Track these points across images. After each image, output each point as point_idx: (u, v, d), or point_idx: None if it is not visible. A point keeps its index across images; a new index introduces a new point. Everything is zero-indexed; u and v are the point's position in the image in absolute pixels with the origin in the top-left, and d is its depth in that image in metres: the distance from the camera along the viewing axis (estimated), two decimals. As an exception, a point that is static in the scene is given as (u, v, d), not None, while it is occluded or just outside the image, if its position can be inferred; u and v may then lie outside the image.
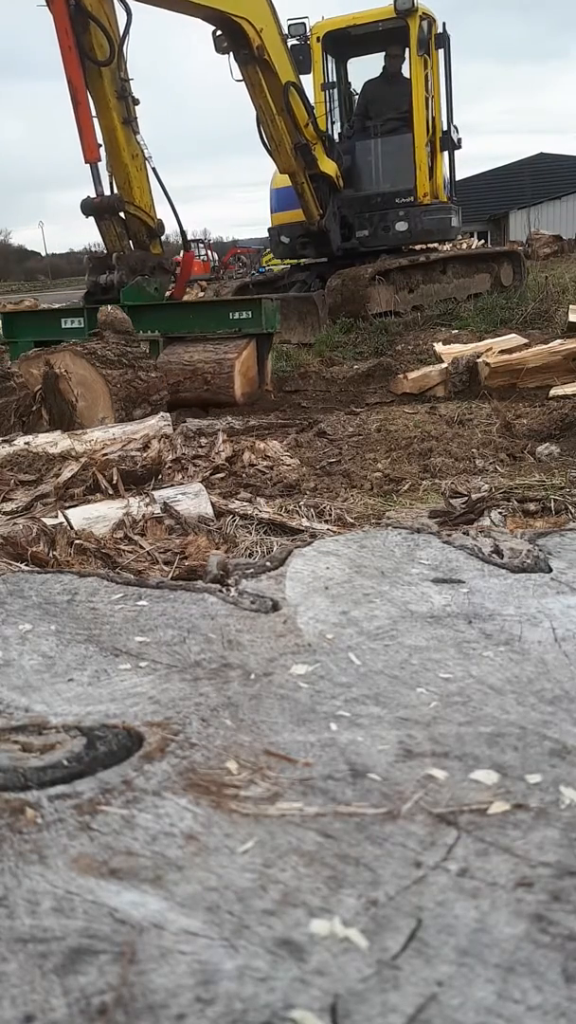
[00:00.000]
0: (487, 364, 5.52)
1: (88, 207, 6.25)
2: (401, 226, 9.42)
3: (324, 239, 8.87)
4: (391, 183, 9.51)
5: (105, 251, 6.56)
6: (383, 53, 9.50)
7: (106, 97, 5.99)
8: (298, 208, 8.79)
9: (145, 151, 6.54)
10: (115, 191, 6.27)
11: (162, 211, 6.66)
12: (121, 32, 5.97)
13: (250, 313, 6.25)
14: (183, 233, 7.88)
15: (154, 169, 6.64)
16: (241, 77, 7.27)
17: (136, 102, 6.33)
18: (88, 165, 6.04)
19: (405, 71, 9.51)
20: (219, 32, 6.94)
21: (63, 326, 6.48)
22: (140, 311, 6.35)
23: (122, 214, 6.32)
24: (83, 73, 5.75)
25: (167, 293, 6.69)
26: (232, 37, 6.93)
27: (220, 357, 5.86)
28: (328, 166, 8.50)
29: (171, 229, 7.13)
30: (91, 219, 6.33)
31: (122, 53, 6.01)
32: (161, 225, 6.72)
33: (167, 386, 5.48)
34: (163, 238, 6.81)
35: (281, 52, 7.38)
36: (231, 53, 7.08)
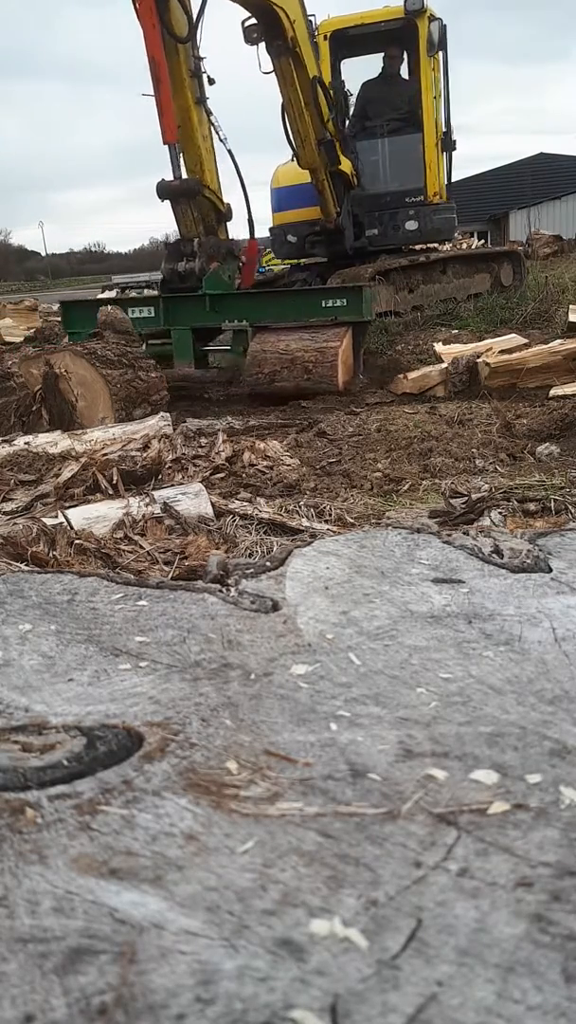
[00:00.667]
0: (487, 364, 5.50)
1: (165, 190, 6.07)
2: (411, 225, 9.41)
3: (338, 237, 8.83)
4: (399, 182, 9.50)
5: (180, 237, 6.37)
6: (382, 54, 9.48)
7: (181, 76, 5.85)
8: (304, 207, 8.73)
9: (220, 132, 6.38)
10: (181, 174, 6.06)
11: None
12: (197, 9, 5.87)
13: (345, 301, 6.13)
14: (251, 219, 7.75)
15: (230, 151, 6.49)
16: (272, 69, 7.08)
17: (212, 82, 6.19)
18: (167, 146, 5.88)
19: (404, 71, 9.51)
20: (250, 23, 6.74)
21: (130, 315, 6.25)
22: (225, 300, 6.25)
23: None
24: (164, 51, 5.59)
25: (236, 282, 6.58)
26: (267, 27, 6.75)
27: (322, 346, 5.67)
28: (345, 164, 8.48)
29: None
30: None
31: (198, 30, 5.89)
32: (230, 210, 6.59)
33: (260, 375, 5.34)
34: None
35: (308, 46, 7.29)
36: (263, 44, 6.87)
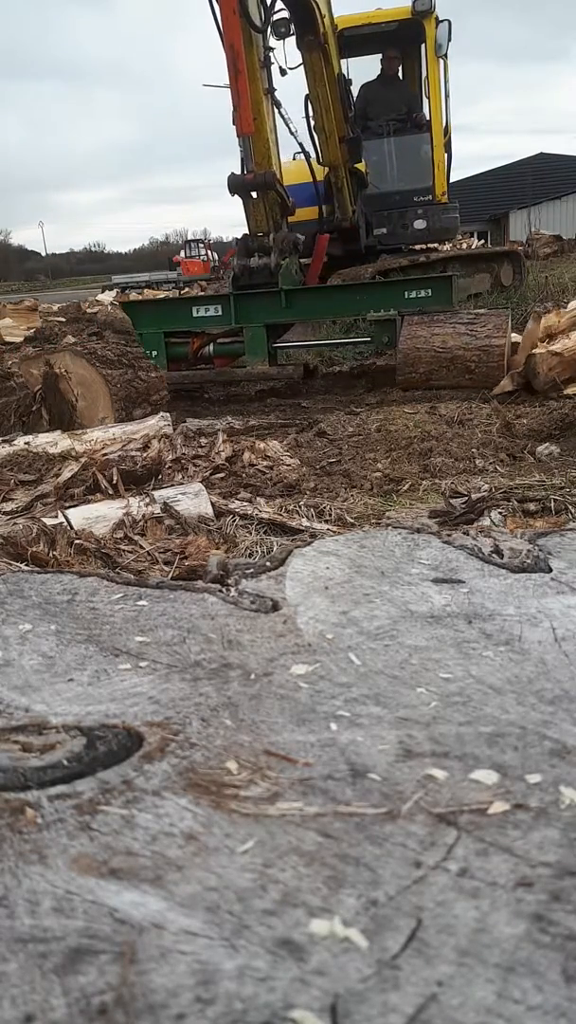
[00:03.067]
0: (552, 353, 4.99)
1: (239, 184, 5.94)
2: (420, 224, 9.42)
3: (353, 236, 8.81)
4: (406, 182, 9.50)
5: (248, 233, 6.22)
6: (380, 55, 9.47)
7: (254, 66, 5.73)
8: (311, 205, 8.71)
9: (291, 124, 6.25)
10: (245, 168, 5.92)
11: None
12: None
13: (431, 291, 5.99)
14: (321, 213, 7.60)
15: (301, 144, 6.40)
16: (301, 62, 6.95)
17: (283, 72, 6.08)
18: (240, 139, 5.76)
19: (402, 72, 9.51)
20: (279, 16, 6.53)
21: (195, 314, 6.23)
22: (301, 295, 6.14)
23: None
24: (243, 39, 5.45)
25: (300, 278, 6.48)
26: (300, 20, 6.63)
27: (484, 343, 5.16)
28: (360, 163, 8.46)
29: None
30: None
31: (269, 20, 5.79)
32: (294, 205, 6.44)
33: (414, 375, 4.90)
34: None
35: (335, 42, 7.26)
36: (294, 37, 6.72)
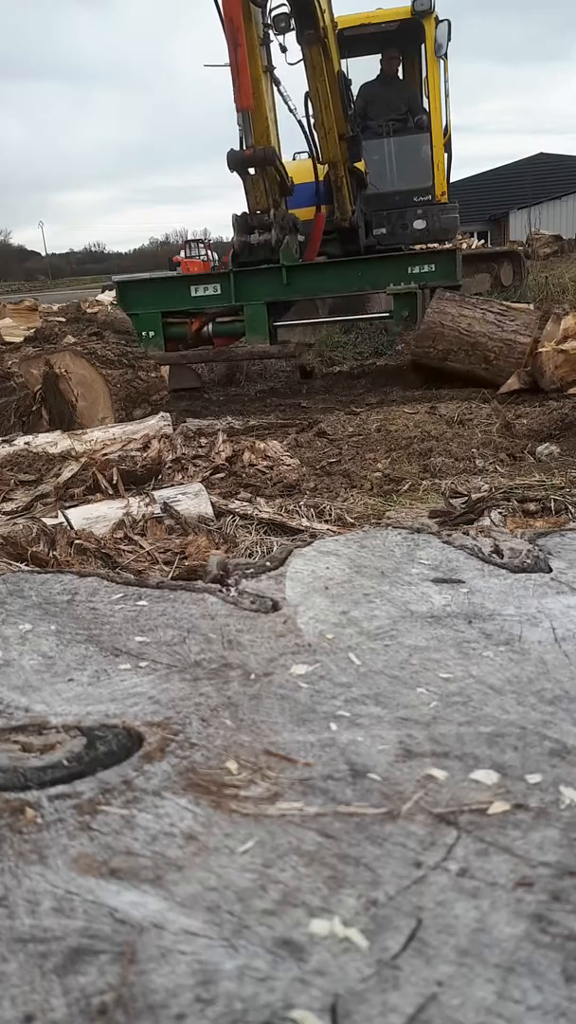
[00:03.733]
0: (560, 351, 4.93)
1: (238, 160, 5.87)
2: (419, 224, 9.41)
3: (352, 236, 8.81)
4: (406, 182, 9.49)
5: (247, 210, 6.17)
6: (379, 56, 9.45)
7: (253, 42, 5.70)
8: (308, 206, 8.70)
9: (290, 102, 6.19)
10: (243, 144, 5.86)
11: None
12: None
13: (434, 266, 5.97)
14: (319, 192, 7.55)
15: (300, 121, 6.31)
16: (301, 58, 6.89)
17: (284, 50, 6.02)
18: (239, 113, 5.72)
19: (401, 73, 9.50)
20: (279, 11, 6.51)
21: (193, 294, 6.17)
22: (302, 271, 6.10)
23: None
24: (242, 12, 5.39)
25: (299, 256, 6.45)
26: (301, 14, 6.58)
27: (510, 337, 5.07)
28: (360, 162, 8.45)
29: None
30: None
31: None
32: (293, 184, 6.40)
33: (432, 350, 4.78)
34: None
35: (334, 38, 7.24)
36: (294, 32, 6.67)
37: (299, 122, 6.38)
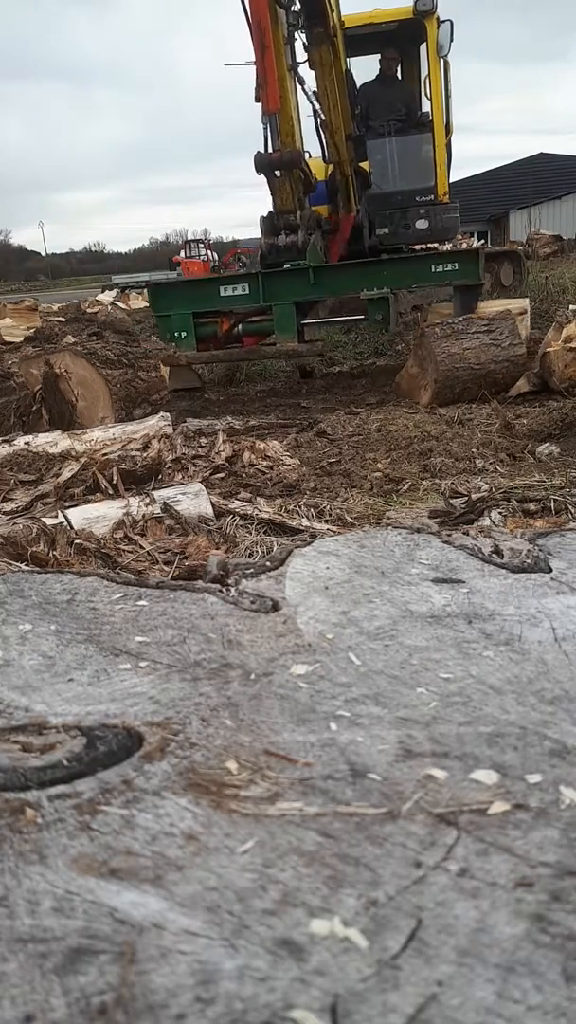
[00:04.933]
0: (570, 349, 4.94)
1: (265, 162, 5.91)
2: (422, 224, 9.41)
3: (357, 235, 8.81)
4: (408, 182, 9.49)
5: (273, 211, 6.23)
6: (379, 56, 9.43)
7: (279, 42, 5.69)
8: (315, 205, 8.70)
9: (314, 101, 6.19)
10: (270, 147, 5.88)
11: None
12: None
13: (456, 265, 6.12)
14: (347, 194, 7.53)
15: (320, 122, 6.29)
16: (308, 56, 6.87)
17: (307, 48, 6.02)
18: (266, 116, 5.74)
19: (402, 73, 9.48)
20: (293, 8, 6.52)
21: (222, 294, 6.26)
22: (329, 271, 6.20)
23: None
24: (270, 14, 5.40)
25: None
26: (311, 12, 6.57)
27: (511, 355, 5.19)
28: (365, 161, 8.44)
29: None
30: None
31: None
32: (316, 181, 6.43)
33: (450, 393, 4.91)
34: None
35: (341, 38, 7.23)
36: (304, 31, 6.65)
37: (319, 122, 6.39)
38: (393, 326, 6.28)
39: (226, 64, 6.12)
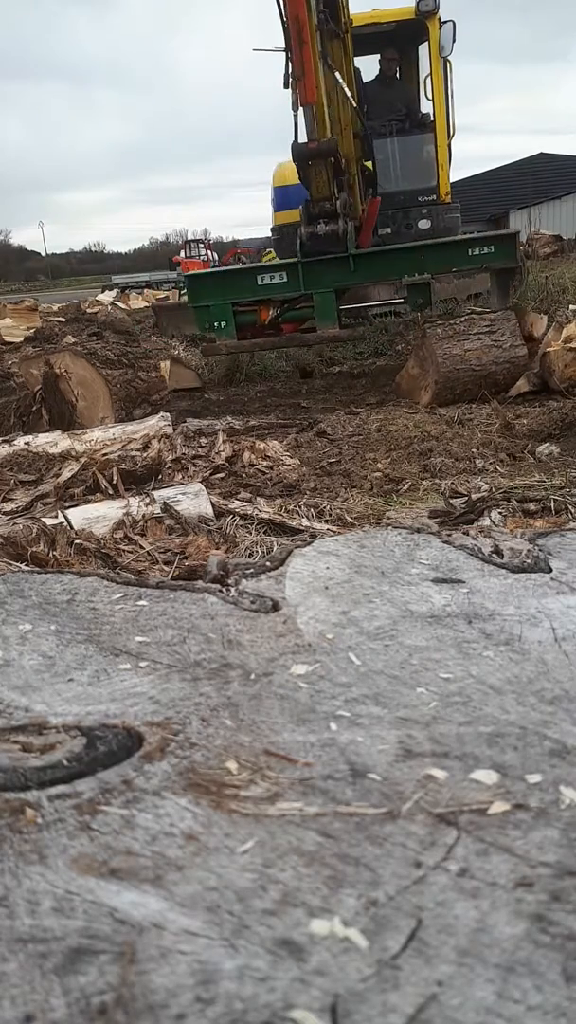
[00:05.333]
0: (571, 349, 4.91)
1: (303, 152, 5.94)
2: (424, 224, 9.43)
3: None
4: (410, 182, 9.49)
5: (310, 199, 6.25)
6: (378, 56, 9.42)
7: (315, 34, 5.71)
8: None
9: (347, 91, 6.22)
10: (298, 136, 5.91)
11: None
12: None
13: (493, 248, 6.19)
14: (375, 179, 7.44)
15: (356, 108, 6.31)
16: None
17: (338, 35, 6.03)
18: (303, 108, 5.77)
19: (401, 73, 9.48)
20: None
21: (260, 283, 6.32)
22: (369, 258, 6.28)
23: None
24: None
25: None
26: (326, 8, 6.55)
27: (512, 356, 5.20)
28: (370, 160, 8.45)
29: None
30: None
31: None
32: (346, 166, 6.45)
33: (451, 395, 4.98)
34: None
35: (350, 36, 7.27)
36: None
37: (355, 109, 6.40)
38: (432, 312, 6.29)
39: (255, 49, 6.11)
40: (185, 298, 8.69)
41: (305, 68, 5.61)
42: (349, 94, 6.92)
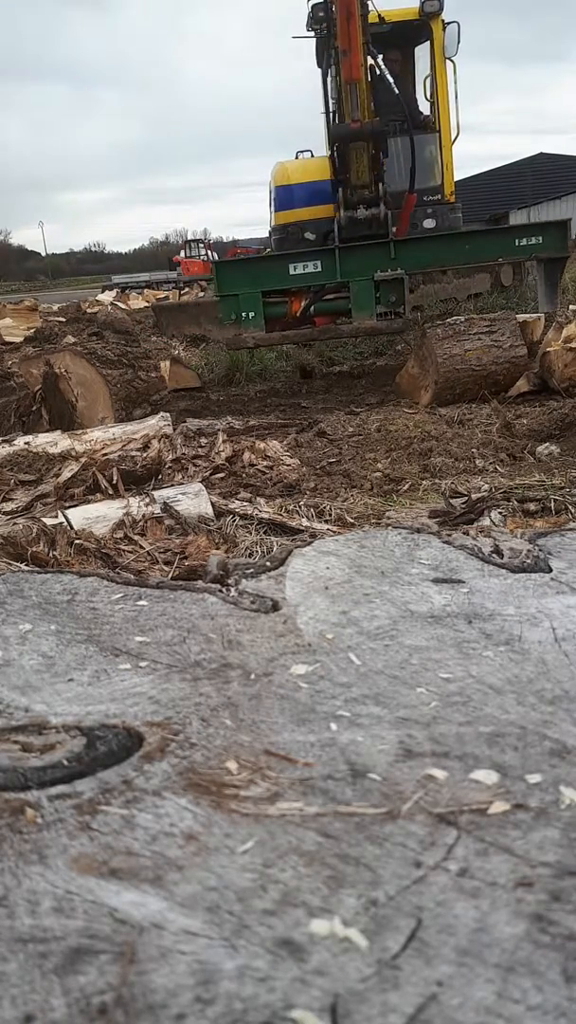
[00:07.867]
0: (570, 349, 4.91)
1: (344, 134, 5.78)
2: (428, 223, 9.40)
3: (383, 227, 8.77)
4: (416, 181, 9.48)
5: (345, 183, 6.07)
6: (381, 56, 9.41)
7: (359, 3, 5.65)
8: (321, 204, 8.64)
9: (388, 76, 6.16)
10: (336, 118, 5.75)
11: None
12: None
13: (541, 238, 6.02)
14: (413, 170, 7.40)
15: (398, 95, 6.24)
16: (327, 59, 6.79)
17: (382, 20, 5.98)
18: (347, 86, 5.67)
19: (402, 73, 9.47)
20: (317, 2, 6.47)
21: (291, 272, 6.11)
22: (411, 245, 6.19)
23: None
24: None
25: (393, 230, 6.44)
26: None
27: (512, 356, 5.17)
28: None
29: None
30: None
31: None
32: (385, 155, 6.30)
33: (451, 394, 4.95)
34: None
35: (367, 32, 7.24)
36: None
37: (397, 95, 6.29)
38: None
39: (294, 37, 6.03)
40: (185, 298, 8.66)
41: (352, 43, 5.51)
42: (392, 81, 6.77)
